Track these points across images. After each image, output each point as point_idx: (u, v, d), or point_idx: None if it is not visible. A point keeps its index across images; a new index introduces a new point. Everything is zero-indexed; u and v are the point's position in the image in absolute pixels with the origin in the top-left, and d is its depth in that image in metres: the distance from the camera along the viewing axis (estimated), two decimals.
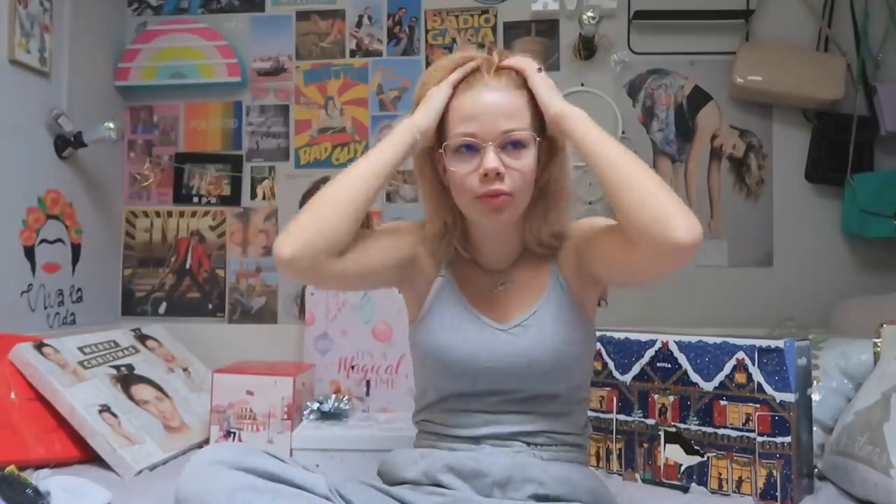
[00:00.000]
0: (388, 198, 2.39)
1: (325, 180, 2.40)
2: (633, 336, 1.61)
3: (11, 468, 1.35)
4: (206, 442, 1.86)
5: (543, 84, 1.11)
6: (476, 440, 1.14)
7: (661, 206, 0.98)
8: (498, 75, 1.11)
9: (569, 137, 1.10)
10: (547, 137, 1.15)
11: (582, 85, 2.33)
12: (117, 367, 1.85)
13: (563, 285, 1.18)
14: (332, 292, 2.25)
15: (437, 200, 1.19)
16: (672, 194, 1.00)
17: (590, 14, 2.17)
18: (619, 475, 1.60)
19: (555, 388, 1.15)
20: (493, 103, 1.09)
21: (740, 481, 1.44)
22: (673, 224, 0.95)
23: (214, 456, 0.97)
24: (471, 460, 1.11)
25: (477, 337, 1.15)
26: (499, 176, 1.07)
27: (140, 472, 1.60)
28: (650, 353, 1.58)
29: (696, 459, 1.50)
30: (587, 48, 2.32)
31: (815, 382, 1.59)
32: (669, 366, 1.54)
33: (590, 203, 2.31)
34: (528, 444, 1.14)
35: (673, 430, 1.53)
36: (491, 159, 1.06)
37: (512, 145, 1.08)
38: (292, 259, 1.05)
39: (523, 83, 1.12)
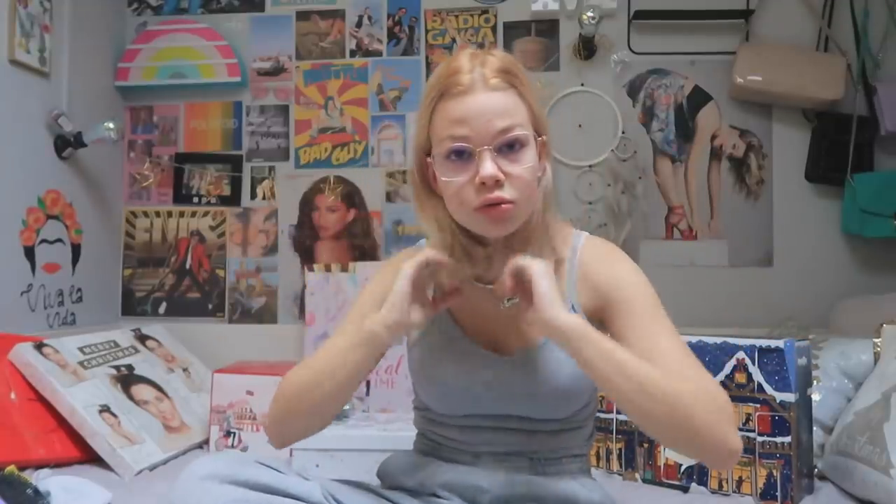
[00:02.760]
0: (388, 198, 2.39)
1: (324, 180, 2.41)
2: None
3: (11, 468, 1.35)
4: (206, 442, 1.86)
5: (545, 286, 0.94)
6: (476, 454, 1.10)
7: (701, 446, 0.92)
8: (495, 76, 0.99)
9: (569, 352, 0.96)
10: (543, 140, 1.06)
11: (582, 85, 2.33)
12: (117, 368, 1.85)
13: (577, 310, 1.06)
14: (333, 292, 2.25)
15: (436, 218, 1.06)
16: (704, 415, 0.91)
17: (590, 14, 2.17)
18: (620, 475, 1.60)
19: (557, 415, 1.09)
20: (485, 102, 0.97)
21: (740, 481, 1.45)
22: (720, 461, 0.95)
23: (206, 470, 0.94)
24: (470, 475, 1.07)
25: (472, 369, 1.06)
26: (498, 183, 0.96)
27: (140, 472, 1.60)
28: None
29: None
30: (587, 48, 2.32)
31: (815, 382, 1.59)
32: None
33: (589, 203, 2.31)
34: (531, 458, 1.09)
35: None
36: (488, 167, 0.95)
37: (509, 147, 0.97)
38: (284, 447, 1.10)
39: (513, 83, 1.01)
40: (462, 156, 0.98)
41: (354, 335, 1.02)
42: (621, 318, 1.03)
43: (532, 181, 1.00)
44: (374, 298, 1.08)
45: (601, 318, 1.06)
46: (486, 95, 0.98)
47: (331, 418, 1.08)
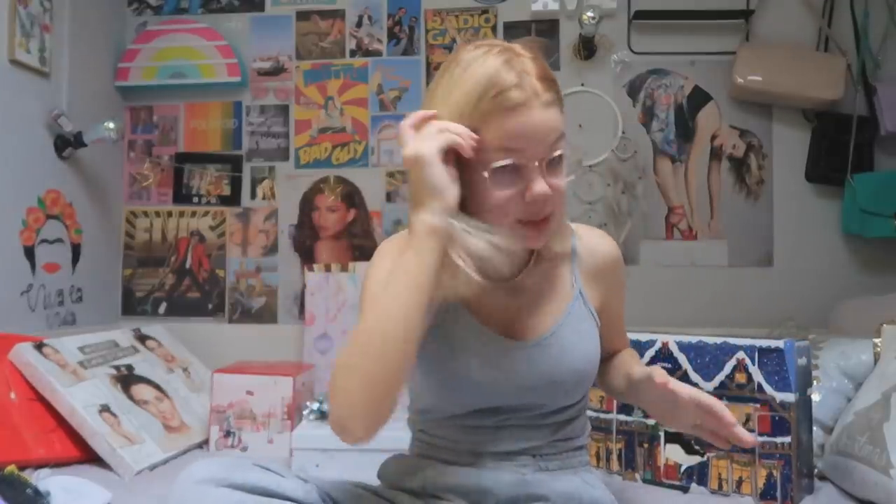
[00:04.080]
0: (388, 198, 2.39)
1: (324, 180, 2.41)
2: (633, 336, 1.60)
3: (11, 468, 1.35)
4: (206, 442, 1.86)
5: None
6: (477, 454, 1.09)
7: None
8: (546, 90, 0.98)
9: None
10: None
11: (582, 85, 2.33)
12: (117, 367, 1.85)
13: (584, 295, 1.13)
14: (332, 292, 2.25)
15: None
16: None
17: (590, 14, 2.17)
18: (619, 475, 1.60)
19: (570, 401, 1.11)
20: (542, 120, 0.97)
21: (740, 481, 1.44)
22: None
23: (201, 474, 0.94)
24: (474, 477, 1.06)
25: (493, 360, 1.06)
26: (545, 199, 0.98)
27: (140, 472, 1.60)
28: (650, 353, 1.57)
29: (696, 459, 1.50)
30: (587, 48, 2.32)
31: (815, 382, 1.59)
32: (669, 366, 1.54)
33: (589, 203, 2.31)
34: (533, 456, 1.09)
35: (673, 430, 1.53)
36: (541, 185, 0.97)
37: (554, 161, 0.99)
38: (366, 438, 0.95)
39: (558, 92, 1.02)
40: (513, 169, 0.98)
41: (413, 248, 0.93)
42: (616, 301, 1.20)
43: (565, 193, 1.03)
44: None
45: (601, 301, 1.16)
46: (542, 112, 0.97)
47: (400, 377, 0.93)
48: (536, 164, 0.97)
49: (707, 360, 1.50)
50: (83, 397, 1.65)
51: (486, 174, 0.97)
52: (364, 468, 1.62)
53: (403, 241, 1.05)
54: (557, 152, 0.99)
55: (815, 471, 1.52)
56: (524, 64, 0.99)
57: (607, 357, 1.25)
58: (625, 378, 1.15)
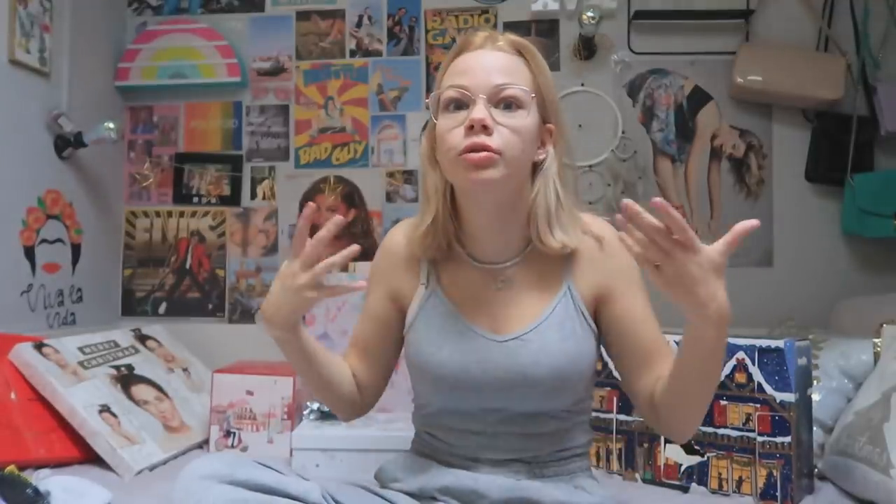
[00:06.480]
0: (388, 198, 2.39)
1: (324, 180, 2.41)
2: None
3: (11, 468, 1.35)
4: (206, 442, 1.86)
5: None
6: (474, 459, 1.10)
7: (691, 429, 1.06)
8: (507, 42, 1.07)
9: (699, 341, 1.00)
10: (548, 127, 1.08)
11: (582, 85, 2.33)
12: (117, 367, 1.85)
13: (574, 296, 1.09)
14: None
15: (434, 188, 1.11)
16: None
17: (590, 14, 2.17)
18: (619, 475, 1.60)
19: (555, 405, 1.08)
20: (488, 60, 1.03)
21: (740, 481, 1.44)
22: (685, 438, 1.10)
23: (204, 470, 0.95)
24: (469, 479, 1.07)
25: (467, 349, 1.07)
26: (485, 129, 0.98)
27: (140, 472, 1.60)
28: None
29: (696, 459, 1.50)
30: (587, 48, 2.32)
31: (815, 382, 1.59)
32: None
33: (590, 203, 2.31)
34: (529, 463, 1.09)
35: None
36: (479, 110, 0.99)
37: (506, 105, 1.02)
38: (350, 419, 1.24)
39: (523, 53, 1.07)
40: (460, 106, 1.03)
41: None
42: (628, 298, 1.12)
43: (523, 139, 1.03)
44: (373, 281, 1.22)
45: (600, 293, 1.11)
46: (491, 53, 1.05)
47: (343, 396, 1.18)
48: (480, 96, 1.00)
49: None
50: (83, 397, 1.65)
51: (437, 115, 1.04)
52: (364, 468, 1.62)
53: (402, 235, 1.19)
54: (506, 91, 1.01)
55: (815, 471, 1.52)
56: (504, 34, 1.09)
57: (650, 395, 1.07)
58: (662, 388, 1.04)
